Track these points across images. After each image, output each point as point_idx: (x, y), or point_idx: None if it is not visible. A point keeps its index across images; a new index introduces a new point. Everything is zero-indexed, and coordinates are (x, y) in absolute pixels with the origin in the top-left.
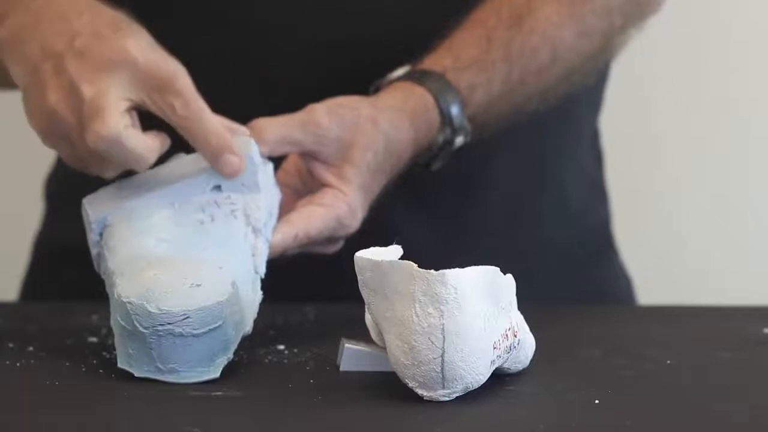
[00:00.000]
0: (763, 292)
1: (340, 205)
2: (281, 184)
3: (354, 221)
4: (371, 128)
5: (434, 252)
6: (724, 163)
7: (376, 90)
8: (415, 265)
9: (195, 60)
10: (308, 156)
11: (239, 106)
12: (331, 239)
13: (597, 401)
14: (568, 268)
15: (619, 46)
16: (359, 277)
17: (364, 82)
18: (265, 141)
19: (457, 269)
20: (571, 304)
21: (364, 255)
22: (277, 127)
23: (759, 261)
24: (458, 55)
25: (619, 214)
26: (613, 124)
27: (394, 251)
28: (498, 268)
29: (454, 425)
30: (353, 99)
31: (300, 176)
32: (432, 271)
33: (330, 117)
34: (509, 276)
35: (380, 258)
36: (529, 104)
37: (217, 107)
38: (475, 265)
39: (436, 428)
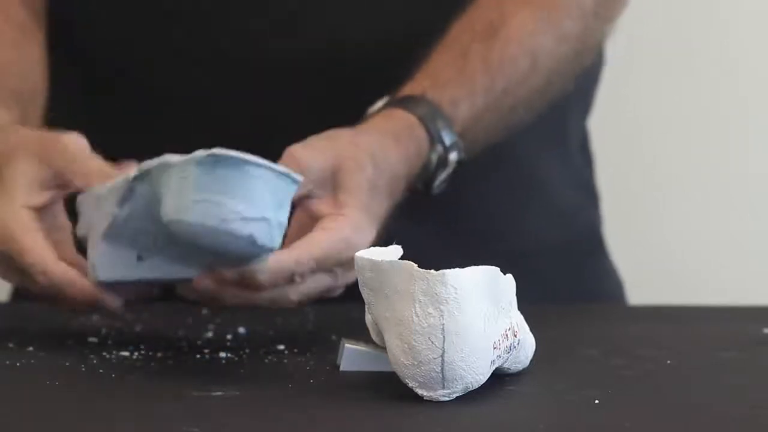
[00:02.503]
0: (759, 292)
1: (344, 226)
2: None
3: (362, 240)
4: (354, 150)
5: (426, 256)
6: (719, 164)
7: None
8: (415, 265)
9: (184, 65)
10: (303, 200)
11: (231, 110)
12: (340, 263)
13: (597, 401)
14: (559, 270)
15: (594, 47)
16: (359, 277)
17: (354, 85)
18: None
19: (457, 269)
20: (570, 305)
21: (364, 255)
22: None
23: (754, 262)
24: (436, 76)
25: (610, 216)
26: (605, 126)
27: (394, 251)
28: (498, 268)
29: (454, 425)
30: (331, 130)
31: (301, 231)
32: (432, 271)
33: (307, 151)
34: (509, 276)
35: (380, 258)
36: (515, 115)
37: (208, 112)
38: (465, 266)
39: (436, 428)
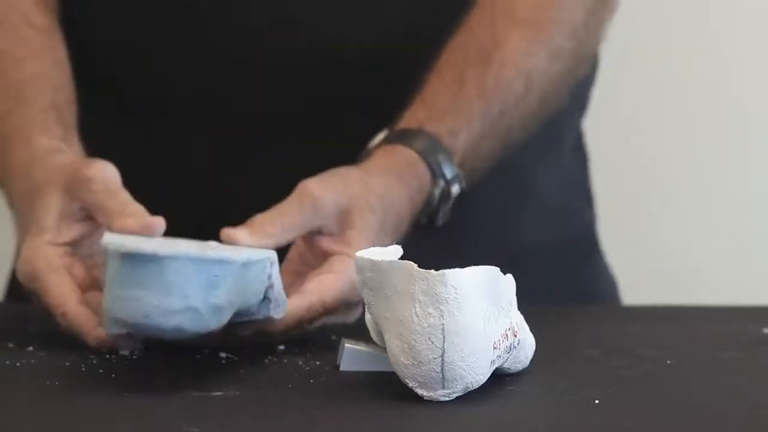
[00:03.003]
0: (759, 292)
1: (351, 268)
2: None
3: None
4: (364, 190)
5: (422, 256)
6: (716, 163)
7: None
8: (415, 265)
9: (184, 65)
10: (312, 234)
11: (231, 110)
12: (348, 304)
13: (597, 401)
14: (554, 271)
15: (587, 59)
16: (359, 277)
17: (354, 85)
18: (269, 234)
19: (457, 269)
20: (567, 305)
21: (364, 255)
22: (277, 218)
23: (753, 262)
24: (431, 106)
25: (604, 215)
26: (599, 125)
27: (394, 251)
28: (498, 268)
29: (454, 425)
30: (339, 168)
31: (301, 259)
32: (432, 271)
33: (322, 187)
34: (509, 276)
35: (380, 258)
36: (512, 136)
37: (208, 112)
38: (461, 267)
39: (436, 428)
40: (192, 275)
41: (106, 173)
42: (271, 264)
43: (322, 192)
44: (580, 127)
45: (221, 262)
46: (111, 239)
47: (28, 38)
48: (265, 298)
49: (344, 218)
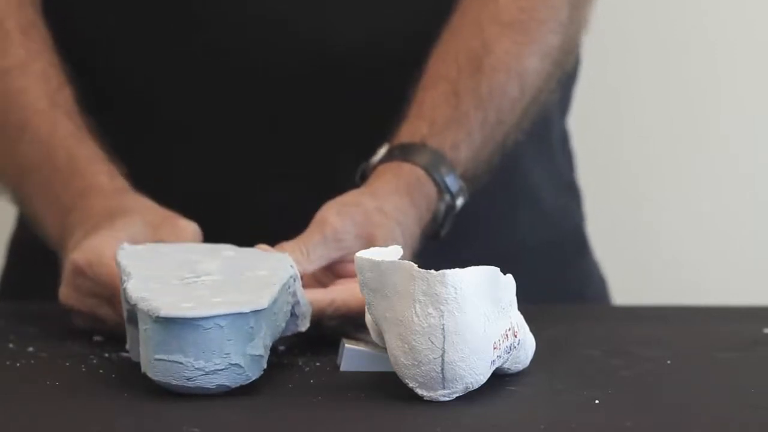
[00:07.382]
0: (737, 292)
1: None
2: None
3: None
4: (384, 219)
5: (413, 257)
6: (707, 161)
7: (362, 174)
8: (415, 265)
9: (181, 69)
10: (335, 264)
11: (230, 113)
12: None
13: (597, 401)
14: (544, 270)
15: (573, 51)
16: (359, 277)
17: (351, 86)
18: (298, 262)
19: (457, 269)
20: (561, 304)
21: (364, 255)
22: (303, 247)
23: (733, 262)
24: (432, 119)
25: (594, 214)
26: (589, 124)
27: (394, 251)
28: (498, 269)
29: (454, 425)
30: (353, 195)
31: (315, 278)
32: (432, 271)
33: (342, 219)
34: (509, 276)
35: (380, 258)
36: (509, 139)
37: (207, 117)
38: (453, 267)
39: (436, 428)
40: (230, 333)
41: (195, 230)
42: (294, 280)
43: (344, 224)
44: (566, 126)
45: (254, 311)
46: (132, 284)
47: (54, 62)
48: (292, 315)
49: (368, 248)
